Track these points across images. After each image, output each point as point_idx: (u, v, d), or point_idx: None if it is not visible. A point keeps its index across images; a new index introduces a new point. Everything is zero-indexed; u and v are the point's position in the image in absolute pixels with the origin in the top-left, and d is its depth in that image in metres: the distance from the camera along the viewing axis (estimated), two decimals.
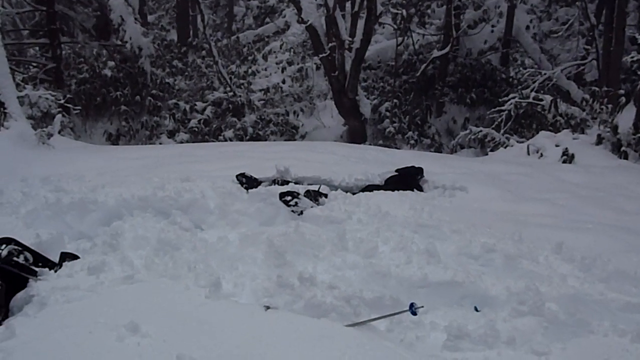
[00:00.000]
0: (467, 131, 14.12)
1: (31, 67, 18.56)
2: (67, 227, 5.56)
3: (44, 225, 5.41)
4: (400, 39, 18.63)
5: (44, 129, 10.16)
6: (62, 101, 12.49)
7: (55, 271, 4.38)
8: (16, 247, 4.60)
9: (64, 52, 18.38)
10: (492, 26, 19.39)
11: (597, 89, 12.71)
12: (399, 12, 17.85)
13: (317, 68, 19.17)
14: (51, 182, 6.61)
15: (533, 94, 13.57)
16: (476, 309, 4.10)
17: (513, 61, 19.96)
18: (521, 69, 18.41)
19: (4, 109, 10.14)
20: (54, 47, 17.16)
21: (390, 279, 4.38)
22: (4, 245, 4.60)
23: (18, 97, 10.99)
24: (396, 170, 7.29)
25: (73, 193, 6.07)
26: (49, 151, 9.59)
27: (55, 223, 5.56)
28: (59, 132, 10.87)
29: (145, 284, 4.04)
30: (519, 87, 15.93)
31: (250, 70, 20.51)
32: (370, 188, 6.85)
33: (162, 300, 3.76)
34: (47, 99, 12.65)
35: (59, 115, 11.10)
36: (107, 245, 4.85)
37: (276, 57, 21.82)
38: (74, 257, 4.72)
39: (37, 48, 19.94)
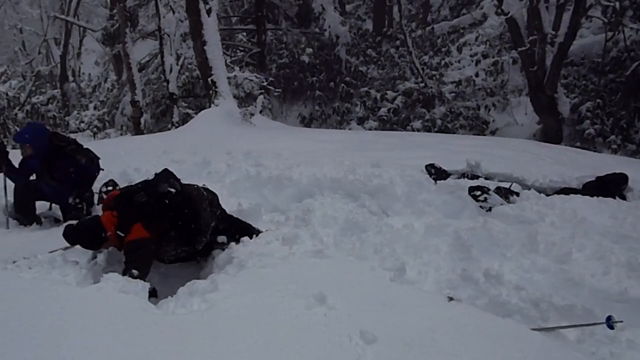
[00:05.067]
0: None
1: (238, 51, 20.05)
2: (264, 199, 6.00)
3: (245, 196, 5.88)
4: (609, 33, 17.14)
5: (247, 108, 10.98)
6: (264, 84, 13.35)
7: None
8: None
9: (267, 38, 19.58)
10: None
11: None
12: (611, 4, 16.42)
13: (514, 62, 18.35)
14: (252, 157, 7.15)
15: None
16: None
17: None
18: None
19: (215, 88, 11.14)
20: (259, 33, 18.41)
21: (584, 288, 4.13)
22: None
23: (227, 78, 11.99)
24: (597, 178, 6.79)
25: (271, 169, 6.52)
26: (251, 128, 10.35)
27: (254, 194, 6.02)
28: (260, 112, 11.66)
29: (333, 260, 4.21)
30: None
31: (443, 62, 20.24)
32: (566, 191, 6.46)
33: (348, 277, 3.90)
34: (251, 80, 13.63)
35: (261, 97, 11.94)
36: (299, 220, 5.14)
37: (471, 49, 21.25)
38: None
39: (244, 33, 21.47)
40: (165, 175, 4.70)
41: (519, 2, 14.59)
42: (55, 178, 5.57)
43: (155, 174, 4.78)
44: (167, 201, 4.39)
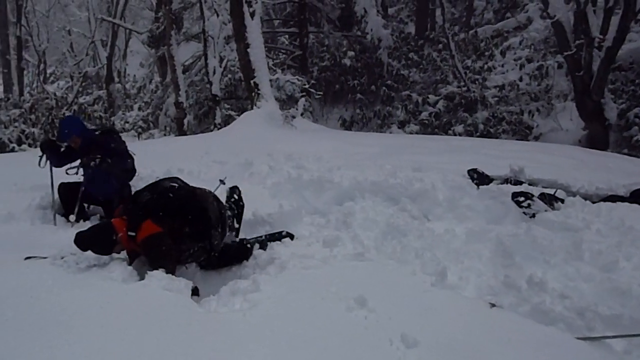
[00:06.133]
0: None
1: (280, 53, 20.19)
2: (305, 201, 6.03)
3: (286, 197, 5.93)
4: None
5: (289, 111, 11.06)
6: (306, 86, 13.42)
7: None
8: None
9: (309, 41, 19.68)
10: None
11: None
12: None
13: (559, 67, 18.01)
14: (293, 159, 7.20)
15: None
16: None
17: None
18: None
19: (258, 90, 11.26)
20: (301, 36, 18.53)
21: (631, 298, 4.01)
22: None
23: (269, 81, 12.10)
24: None
25: (312, 171, 6.55)
26: (292, 131, 10.42)
27: (295, 196, 6.06)
28: (301, 115, 11.73)
29: (374, 263, 4.23)
30: None
31: (486, 66, 19.98)
32: (612, 198, 6.29)
33: (389, 281, 3.90)
34: (293, 83, 13.72)
35: (302, 99, 12.00)
36: (340, 223, 5.16)
37: (515, 53, 20.92)
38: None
39: (286, 36, 21.62)
40: (169, 177, 4.82)
41: (565, 5, 14.33)
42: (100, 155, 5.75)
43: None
44: (171, 195, 4.45)
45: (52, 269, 3.91)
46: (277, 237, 4.90)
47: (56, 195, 5.78)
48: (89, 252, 4.10)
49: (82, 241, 4.04)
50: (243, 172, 6.90)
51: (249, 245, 4.72)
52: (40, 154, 5.76)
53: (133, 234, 4.16)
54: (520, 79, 18.63)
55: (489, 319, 3.49)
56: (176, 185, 4.57)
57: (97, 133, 5.92)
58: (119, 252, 4.27)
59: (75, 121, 6.05)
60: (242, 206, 5.25)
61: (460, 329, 3.31)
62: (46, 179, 5.81)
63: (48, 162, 5.74)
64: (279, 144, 8.74)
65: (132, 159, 5.89)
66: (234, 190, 5.38)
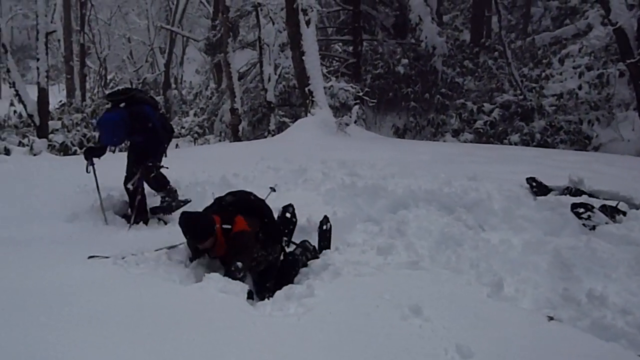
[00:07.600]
0: None
1: (334, 61, 20.27)
2: (359, 209, 6.04)
3: (340, 204, 5.95)
4: None
5: (342, 118, 11.10)
6: (359, 94, 13.42)
7: None
8: None
9: (363, 49, 19.69)
10: None
11: None
12: None
13: (621, 75, 17.42)
14: (347, 166, 7.22)
15: None
16: None
17: None
18: None
19: (312, 97, 11.34)
20: (355, 44, 18.55)
21: None
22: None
23: (323, 88, 12.18)
24: None
25: (366, 179, 6.56)
26: (345, 138, 10.45)
27: (349, 204, 6.08)
28: (354, 122, 11.75)
29: (428, 272, 4.20)
30: None
31: (543, 74, 19.52)
32: None
33: (443, 290, 3.86)
34: (346, 90, 13.75)
35: (356, 107, 12.01)
36: (394, 231, 5.15)
37: (574, 61, 20.35)
38: None
39: (340, 44, 21.68)
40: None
41: (628, 11, 13.89)
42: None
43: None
44: (252, 197, 4.66)
45: (113, 269, 4.04)
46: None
47: (103, 196, 5.95)
48: (149, 254, 4.21)
49: (187, 222, 4.22)
50: (297, 179, 6.96)
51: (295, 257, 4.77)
52: (86, 162, 5.91)
53: (228, 226, 4.30)
54: (580, 88, 18.11)
55: (546, 332, 3.42)
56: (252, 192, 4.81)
57: (124, 106, 5.82)
58: (207, 247, 4.33)
59: (114, 125, 5.74)
60: (295, 222, 5.26)
61: (517, 342, 3.26)
62: (106, 181, 6.02)
63: (92, 168, 5.89)
64: (333, 151, 8.78)
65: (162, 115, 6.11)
66: (287, 208, 5.33)
